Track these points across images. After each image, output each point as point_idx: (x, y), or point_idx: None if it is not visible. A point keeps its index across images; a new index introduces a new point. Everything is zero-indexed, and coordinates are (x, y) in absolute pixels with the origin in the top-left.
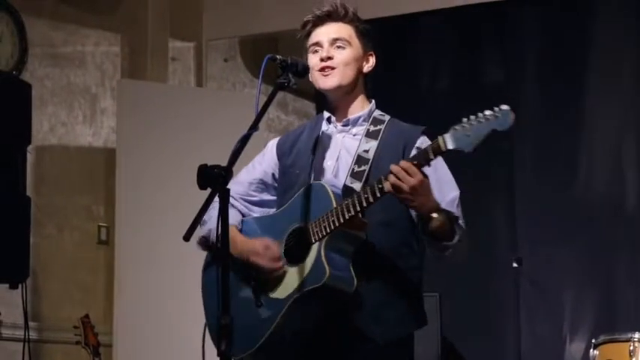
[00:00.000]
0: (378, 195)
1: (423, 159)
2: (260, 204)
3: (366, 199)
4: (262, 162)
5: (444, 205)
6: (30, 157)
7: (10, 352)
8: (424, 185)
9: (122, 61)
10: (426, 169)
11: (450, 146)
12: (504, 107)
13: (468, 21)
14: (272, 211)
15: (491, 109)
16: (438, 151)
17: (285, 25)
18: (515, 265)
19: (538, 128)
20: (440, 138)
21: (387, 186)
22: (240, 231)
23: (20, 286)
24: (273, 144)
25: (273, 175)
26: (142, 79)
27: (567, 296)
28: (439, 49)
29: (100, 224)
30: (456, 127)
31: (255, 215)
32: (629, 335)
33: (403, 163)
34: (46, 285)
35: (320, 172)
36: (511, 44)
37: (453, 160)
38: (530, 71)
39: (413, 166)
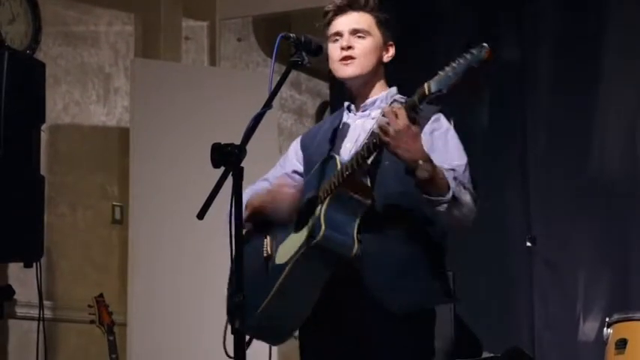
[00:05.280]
0: (372, 149)
1: (411, 107)
2: None
3: (362, 155)
4: (286, 158)
5: (448, 166)
6: (44, 136)
7: (25, 331)
8: (410, 132)
9: (135, 40)
10: (440, 136)
11: (434, 89)
12: (483, 44)
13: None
14: None
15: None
16: (423, 95)
17: (298, 4)
18: (528, 244)
19: (553, 107)
20: (426, 83)
21: (375, 129)
22: None
23: (34, 264)
24: (297, 140)
25: (297, 171)
26: (156, 59)
27: (581, 275)
28: (455, 29)
29: (114, 203)
30: (440, 72)
31: None
32: None
33: (394, 106)
34: (60, 264)
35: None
36: (527, 23)
37: (467, 138)
38: (545, 51)
39: (403, 111)
